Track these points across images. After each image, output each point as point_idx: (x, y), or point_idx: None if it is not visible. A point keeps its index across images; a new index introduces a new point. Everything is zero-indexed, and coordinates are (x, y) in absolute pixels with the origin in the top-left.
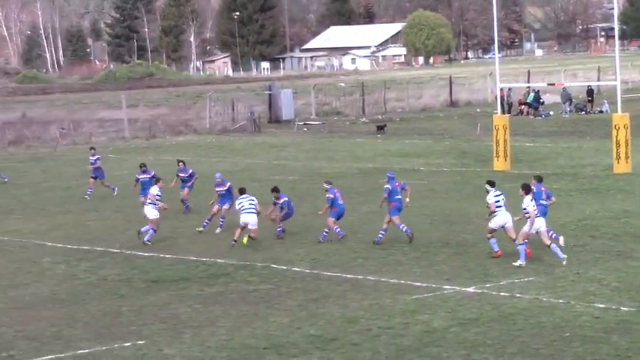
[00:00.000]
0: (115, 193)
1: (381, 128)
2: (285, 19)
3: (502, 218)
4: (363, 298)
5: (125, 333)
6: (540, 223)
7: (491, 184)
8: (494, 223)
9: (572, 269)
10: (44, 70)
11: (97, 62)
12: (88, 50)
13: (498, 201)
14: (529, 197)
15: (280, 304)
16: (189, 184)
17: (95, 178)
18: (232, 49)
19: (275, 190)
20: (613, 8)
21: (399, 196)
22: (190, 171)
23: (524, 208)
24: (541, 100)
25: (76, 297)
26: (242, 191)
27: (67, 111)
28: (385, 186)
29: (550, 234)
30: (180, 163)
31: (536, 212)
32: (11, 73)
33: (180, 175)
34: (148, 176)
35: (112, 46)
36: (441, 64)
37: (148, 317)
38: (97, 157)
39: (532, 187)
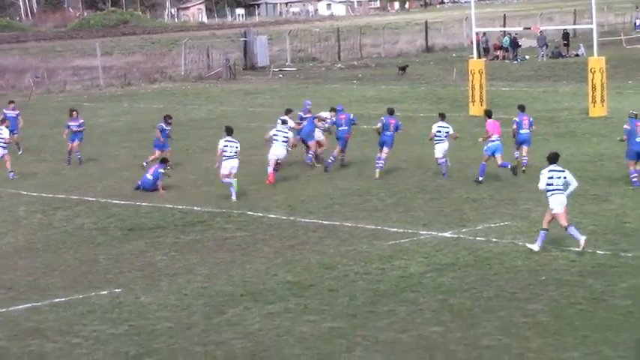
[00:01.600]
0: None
1: (402, 69)
2: None
3: (441, 147)
4: (340, 245)
5: (102, 281)
6: (555, 204)
7: (442, 116)
8: (437, 151)
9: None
10: (17, 18)
11: (71, 10)
12: None
13: (440, 131)
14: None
15: (257, 251)
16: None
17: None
18: None
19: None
20: None
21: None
22: (81, 121)
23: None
24: (519, 44)
25: (52, 246)
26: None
27: (41, 59)
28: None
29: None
30: (74, 112)
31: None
32: None
33: (71, 124)
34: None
35: None
36: (416, 9)
37: (125, 265)
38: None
39: (515, 119)
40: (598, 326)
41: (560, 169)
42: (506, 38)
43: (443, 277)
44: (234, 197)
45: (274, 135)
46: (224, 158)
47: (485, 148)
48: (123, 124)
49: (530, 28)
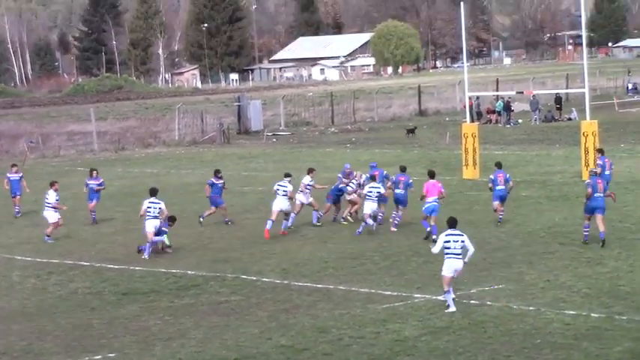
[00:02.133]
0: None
1: (411, 131)
2: (254, 31)
3: (368, 206)
4: (334, 308)
5: (96, 346)
6: (447, 268)
7: (373, 178)
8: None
9: (542, 276)
10: (12, 84)
11: (66, 76)
12: (57, 64)
13: (371, 191)
14: None
15: (251, 315)
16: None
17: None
18: (201, 61)
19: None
20: (581, 16)
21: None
22: (101, 180)
23: None
24: (512, 108)
25: (46, 310)
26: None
27: (36, 125)
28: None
29: None
30: (94, 172)
31: None
32: None
33: (90, 183)
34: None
35: (81, 60)
36: (409, 73)
37: (119, 330)
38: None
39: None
40: None
41: (458, 233)
42: (500, 102)
43: (437, 340)
44: (146, 255)
45: (277, 189)
46: (146, 218)
47: (423, 208)
48: (117, 189)
49: (523, 93)
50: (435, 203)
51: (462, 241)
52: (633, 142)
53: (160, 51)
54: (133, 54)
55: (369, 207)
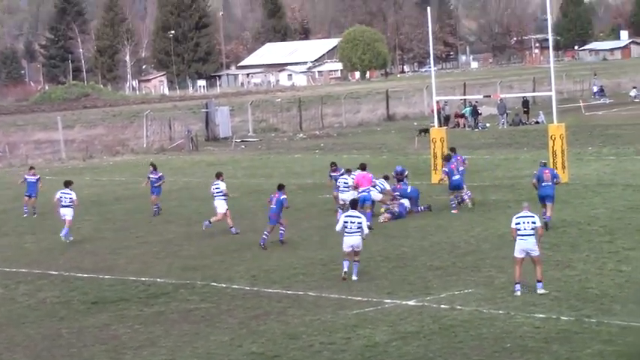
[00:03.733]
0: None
1: (425, 131)
2: (221, 37)
3: (345, 196)
4: (304, 314)
5: (65, 356)
6: (346, 244)
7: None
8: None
9: (512, 280)
10: None
11: (32, 84)
12: (23, 72)
13: (347, 183)
14: None
15: (221, 322)
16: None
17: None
18: (168, 68)
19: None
20: (547, 19)
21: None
22: (160, 174)
23: None
24: (479, 112)
25: (15, 320)
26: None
27: (2, 133)
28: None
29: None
30: (152, 166)
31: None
32: None
33: (151, 177)
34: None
35: (47, 67)
36: (377, 78)
37: (88, 339)
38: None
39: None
40: None
41: (357, 214)
42: (467, 108)
43: (408, 345)
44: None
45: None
46: (61, 206)
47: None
48: (85, 197)
49: (490, 96)
50: (366, 193)
51: (359, 222)
52: (600, 145)
53: (127, 58)
54: (100, 61)
55: (345, 197)
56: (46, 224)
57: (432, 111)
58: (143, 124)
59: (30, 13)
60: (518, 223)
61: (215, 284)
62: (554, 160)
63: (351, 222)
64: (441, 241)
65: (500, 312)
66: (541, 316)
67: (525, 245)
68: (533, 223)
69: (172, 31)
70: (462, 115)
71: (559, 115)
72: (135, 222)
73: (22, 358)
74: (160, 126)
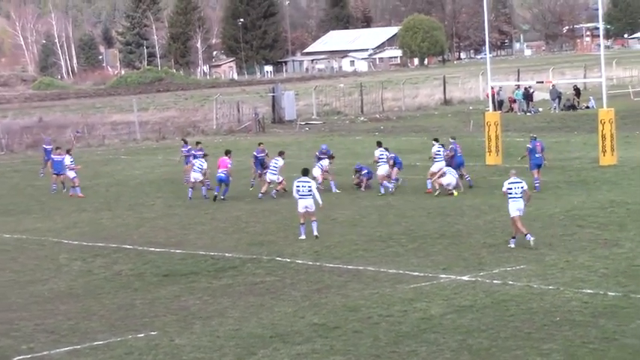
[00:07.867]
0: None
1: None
2: (287, 25)
3: (382, 169)
4: (364, 288)
5: (138, 325)
6: (301, 206)
7: (379, 143)
8: (380, 171)
9: (562, 257)
10: (59, 77)
11: (109, 69)
12: (101, 57)
13: (382, 156)
14: None
15: (285, 295)
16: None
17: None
18: (237, 54)
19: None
20: (598, 9)
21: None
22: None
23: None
24: (532, 97)
25: (92, 291)
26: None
27: (82, 115)
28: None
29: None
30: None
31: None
32: (28, 80)
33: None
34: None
35: (124, 53)
36: (435, 64)
37: (160, 309)
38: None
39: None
40: None
41: (306, 180)
42: (518, 91)
43: (462, 318)
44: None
45: (297, 187)
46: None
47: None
48: (158, 176)
49: (542, 82)
50: (223, 175)
51: (309, 187)
52: None
53: (199, 44)
54: (173, 47)
55: (383, 170)
56: (120, 202)
57: (487, 96)
58: (213, 107)
59: (108, 1)
60: (510, 188)
61: (280, 259)
62: (603, 143)
63: (302, 186)
64: (494, 220)
65: (550, 287)
66: (589, 291)
67: (518, 205)
68: (522, 187)
69: (241, 19)
70: (515, 100)
71: (609, 101)
72: (204, 199)
73: (99, 326)
74: (229, 109)
